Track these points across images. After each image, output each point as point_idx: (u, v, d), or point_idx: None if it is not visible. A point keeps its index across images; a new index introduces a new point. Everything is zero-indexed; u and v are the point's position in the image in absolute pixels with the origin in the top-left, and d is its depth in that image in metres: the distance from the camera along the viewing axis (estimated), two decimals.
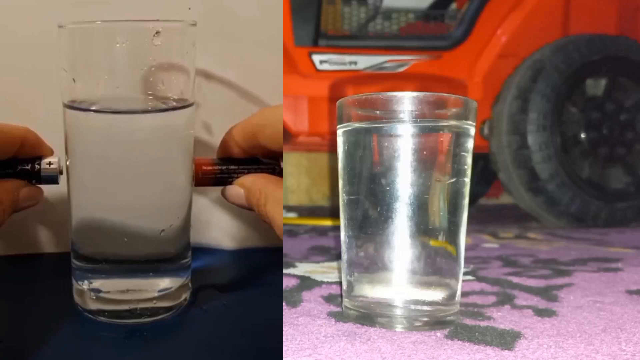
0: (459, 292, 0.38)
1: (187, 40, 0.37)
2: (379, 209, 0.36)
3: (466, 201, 0.38)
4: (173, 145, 0.38)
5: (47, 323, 0.39)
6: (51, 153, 0.39)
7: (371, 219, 0.37)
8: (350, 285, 0.39)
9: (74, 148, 0.37)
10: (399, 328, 0.36)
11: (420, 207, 0.36)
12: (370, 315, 0.37)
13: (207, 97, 0.48)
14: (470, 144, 0.38)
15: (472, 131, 0.38)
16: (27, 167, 0.38)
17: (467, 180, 0.38)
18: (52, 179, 0.38)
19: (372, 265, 0.37)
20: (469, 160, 0.38)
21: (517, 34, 1.25)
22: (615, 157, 1.21)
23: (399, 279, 0.36)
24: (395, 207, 0.36)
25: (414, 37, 1.29)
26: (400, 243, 0.36)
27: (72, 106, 0.36)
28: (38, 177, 0.38)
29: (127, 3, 0.43)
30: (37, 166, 0.38)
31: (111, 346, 0.37)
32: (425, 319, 0.36)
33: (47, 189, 0.39)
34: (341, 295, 0.43)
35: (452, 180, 0.37)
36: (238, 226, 0.54)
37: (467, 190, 0.38)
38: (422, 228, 0.36)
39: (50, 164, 0.38)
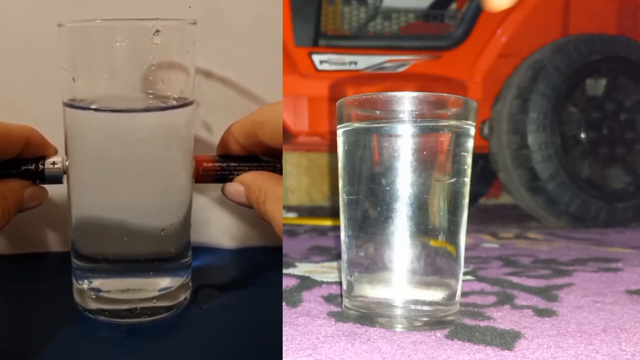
0: (459, 292, 0.38)
1: (187, 39, 0.37)
2: (379, 209, 0.36)
3: (466, 201, 0.38)
4: (173, 144, 0.38)
5: (48, 322, 0.39)
6: (55, 152, 0.39)
7: (371, 219, 0.37)
8: (350, 285, 0.39)
9: (74, 147, 0.37)
10: (399, 328, 0.36)
11: (420, 207, 0.36)
12: (370, 315, 0.37)
13: (207, 95, 0.48)
14: (470, 144, 0.38)
15: (472, 131, 0.38)
16: (30, 167, 0.37)
17: (467, 180, 0.38)
18: (56, 179, 0.38)
19: (372, 265, 0.37)
20: (469, 160, 0.38)
21: (517, 34, 1.25)
22: (615, 157, 1.21)
23: (399, 279, 0.36)
24: (395, 207, 0.36)
25: (414, 37, 1.29)
26: (400, 243, 0.36)
27: (72, 105, 0.36)
28: (42, 177, 0.38)
29: (127, 2, 0.43)
30: (40, 166, 0.37)
31: (111, 346, 0.37)
32: (425, 319, 0.36)
33: (49, 188, 0.39)
34: (341, 295, 0.43)
35: (452, 180, 0.37)
36: (238, 225, 0.53)
37: (467, 190, 0.38)
38: (422, 228, 0.36)
39: (54, 163, 0.38)
